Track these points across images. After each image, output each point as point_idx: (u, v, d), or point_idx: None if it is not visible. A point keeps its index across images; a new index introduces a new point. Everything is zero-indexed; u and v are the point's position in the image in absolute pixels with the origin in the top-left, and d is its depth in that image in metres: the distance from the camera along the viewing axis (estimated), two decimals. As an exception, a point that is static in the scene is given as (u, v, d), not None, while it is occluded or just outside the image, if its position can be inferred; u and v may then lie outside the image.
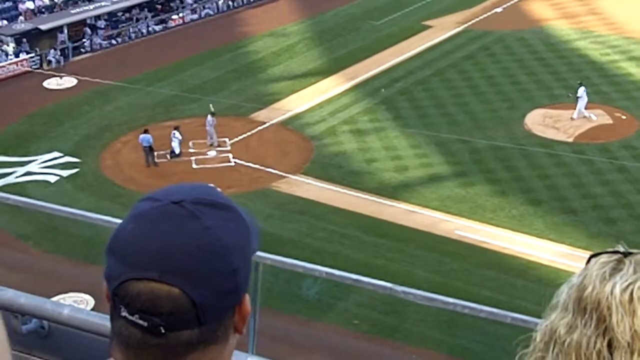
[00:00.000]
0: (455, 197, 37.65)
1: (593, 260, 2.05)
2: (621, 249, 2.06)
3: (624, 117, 44.57)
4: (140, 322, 2.01)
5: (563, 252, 32.83)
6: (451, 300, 4.68)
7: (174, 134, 41.44)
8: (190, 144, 42.25)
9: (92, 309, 25.65)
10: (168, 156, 41.42)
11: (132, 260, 2.02)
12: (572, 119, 44.47)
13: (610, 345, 1.96)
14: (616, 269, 2.01)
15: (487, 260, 33.06)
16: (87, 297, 28.98)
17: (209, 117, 42.42)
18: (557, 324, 2.03)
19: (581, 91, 44.69)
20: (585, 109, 44.55)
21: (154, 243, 2.01)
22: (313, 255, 31.29)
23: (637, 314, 1.94)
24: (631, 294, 1.95)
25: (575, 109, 44.65)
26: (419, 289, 4.97)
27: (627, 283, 1.97)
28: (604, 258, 2.04)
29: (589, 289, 1.99)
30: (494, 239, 34.54)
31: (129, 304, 2.01)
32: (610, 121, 44.29)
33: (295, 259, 5.08)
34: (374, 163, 40.83)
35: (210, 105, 43.98)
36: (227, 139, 43.00)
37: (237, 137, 43.45)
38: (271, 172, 40.04)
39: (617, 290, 1.96)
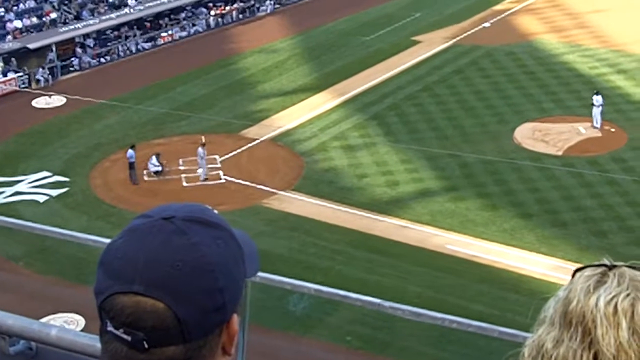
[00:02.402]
0: (446, 212, 37.67)
1: (578, 274, 2.06)
2: (606, 262, 2.06)
3: (612, 129, 44.68)
4: (125, 336, 2.01)
5: (554, 265, 32.85)
6: (439, 315, 4.69)
7: (152, 159, 41.34)
8: (180, 161, 42.20)
9: (83, 330, 25.61)
10: (153, 174, 41.37)
11: (118, 274, 2.03)
12: (594, 127, 44.61)
13: (596, 358, 1.96)
14: (600, 282, 2.01)
15: (479, 274, 33.06)
16: (78, 317, 28.92)
17: (200, 149, 41.52)
18: (544, 338, 2.03)
19: (597, 100, 44.84)
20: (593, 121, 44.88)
21: (141, 257, 2.03)
22: (304, 272, 31.28)
23: (621, 326, 1.94)
24: (615, 306, 1.96)
25: (592, 119, 44.89)
26: (411, 303, 4.97)
27: (611, 296, 1.97)
28: (588, 271, 2.05)
29: (574, 302, 1.99)
30: (485, 253, 34.53)
31: (114, 318, 2.02)
32: (599, 134, 44.40)
33: (286, 275, 5.07)
34: (365, 178, 40.85)
35: (203, 137, 43.55)
36: (217, 156, 42.96)
37: (227, 154, 43.42)
38: (262, 189, 40.02)
39: (602, 303, 1.96)
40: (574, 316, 1.98)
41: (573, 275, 2.07)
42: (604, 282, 2.01)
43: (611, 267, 2.04)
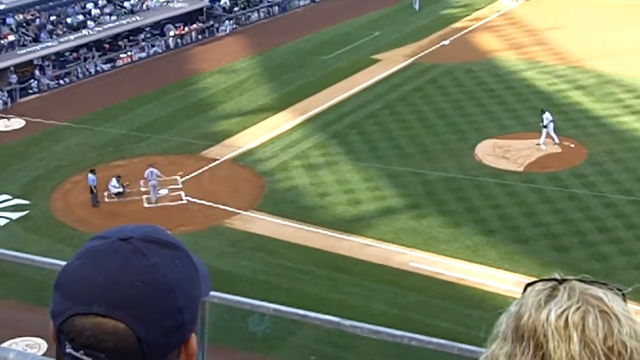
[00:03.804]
0: (409, 229, 37.71)
1: (529, 288, 2.08)
2: (557, 276, 2.08)
3: (572, 145, 44.98)
4: (85, 358, 2.00)
5: (517, 281, 32.89)
6: (399, 332, 4.71)
7: (112, 181, 41.14)
8: (141, 182, 42.00)
9: (45, 353, 25.37)
10: (114, 196, 41.17)
11: (77, 295, 2.02)
12: (538, 144, 44.83)
13: None
14: (551, 296, 2.03)
15: (443, 291, 33.11)
16: (40, 341, 28.69)
17: (152, 169, 41.10)
18: (498, 353, 2.05)
19: (547, 117, 45.01)
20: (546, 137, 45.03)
21: (100, 278, 2.01)
22: (268, 292, 31.19)
23: (572, 340, 1.96)
24: (566, 319, 1.98)
25: (540, 136, 45.02)
26: (376, 322, 4.98)
27: (561, 309, 1.99)
28: (539, 286, 2.07)
29: (525, 317, 2.01)
30: (448, 270, 34.60)
31: (74, 339, 2.00)
32: (559, 150, 44.68)
33: (250, 295, 5.06)
34: (327, 197, 40.83)
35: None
36: (178, 177, 42.82)
37: (188, 174, 43.30)
38: (224, 209, 39.91)
39: (552, 317, 1.98)
40: (526, 330, 2.00)
41: (524, 290, 2.09)
42: (554, 296, 2.03)
43: (562, 281, 2.06)
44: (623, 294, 2.07)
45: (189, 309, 2.08)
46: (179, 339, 2.08)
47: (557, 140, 44.92)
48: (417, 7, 68.75)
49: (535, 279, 2.13)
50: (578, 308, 1.99)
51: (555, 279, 2.07)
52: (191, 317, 2.10)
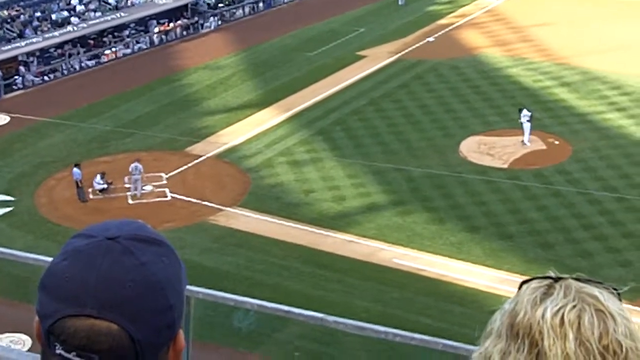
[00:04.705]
0: (393, 226, 37.75)
1: (524, 286, 2.07)
2: (552, 275, 2.07)
3: (557, 142, 45.10)
4: (77, 359, 1.98)
5: (501, 277, 33.03)
6: (382, 328, 4.71)
7: (96, 178, 41.07)
8: (126, 179, 41.92)
9: (29, 350, 25.29)
10: (99, 192, 41.11)
11: (68, 296, 2.00)
12: (523, 143, 44.85)
13: None
14: (547, 294, 2.03)
15: (426, 288, 33.15)
16: (25, 337, 28.59)
17: (137, 164, 41.04)
18: (491, 350, 2.03)
19: (524, 116, 45.06)
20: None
21: (91, 279, 2.00)
22: (252, 288, 31.19)
23: (568, 338, 1.96)
24: (562, 317, 1.97)
25: (523, 134, 45.08)
26: (359, 318, 4.98)
27: (557, 307, 1.99)
28: (534, 283, 2.06)
29: (521, 314, 2.01)
30: (432, 266, 34.64)
31: (66, 341, 1.99)
32: (544, 147, 44.79)
33: (233, 292, 5.04)
34: (312, 194, 40.85)
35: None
36: (163, 174, 42.76)
37: (173, 171, 43.25)
38: (208, 206, 39.88)
39: (548, 315, 1.98)
40: (521, 328, 1.99)
41: (519, 288, 2.08)
42: (550, 294, 2.02)
43: (557, 279, 2.06)
44: (618, 293, 2.07)
45: (178, 306, 2.08)
46: (170, 336, 2.08)
47: (526, 141, 44.82)
48: (401, 1, 68.99)
49: (527, 277, 2.12)
50: (574, 306, 1.99)
51: (551, 277, 2.06)
52: (180, 314, 2.10)
